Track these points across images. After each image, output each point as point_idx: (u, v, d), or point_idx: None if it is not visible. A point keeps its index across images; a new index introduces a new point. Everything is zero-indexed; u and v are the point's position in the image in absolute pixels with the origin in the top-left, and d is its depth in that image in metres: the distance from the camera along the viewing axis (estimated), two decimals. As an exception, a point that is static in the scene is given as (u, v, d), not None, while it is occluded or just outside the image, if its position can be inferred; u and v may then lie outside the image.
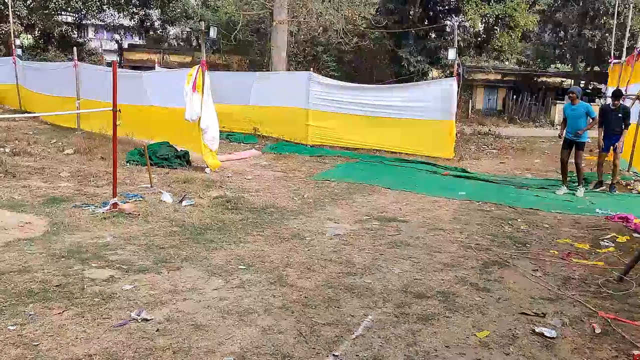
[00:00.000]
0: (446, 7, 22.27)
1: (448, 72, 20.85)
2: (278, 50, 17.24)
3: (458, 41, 15.31)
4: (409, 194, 8.27)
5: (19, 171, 7.96)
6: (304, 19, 19.62)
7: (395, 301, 4.10)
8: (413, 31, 21.02)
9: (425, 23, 22.08)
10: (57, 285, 3.97)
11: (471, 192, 8.59)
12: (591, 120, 8.66)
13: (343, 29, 18.66)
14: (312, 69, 14.12)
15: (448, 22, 22.70)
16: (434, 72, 23.58)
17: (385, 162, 11.18)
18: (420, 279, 4.62)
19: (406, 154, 12.02)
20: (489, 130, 18.67)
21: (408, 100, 12.22)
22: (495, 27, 21.33)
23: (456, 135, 12.44)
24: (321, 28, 20.69)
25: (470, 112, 24.79)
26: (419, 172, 10.41)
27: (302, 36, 21.73)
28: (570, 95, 8.84)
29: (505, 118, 24.53)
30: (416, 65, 20.63)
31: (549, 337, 3.58)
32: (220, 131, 12.56)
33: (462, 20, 21.42)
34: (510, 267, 5.05)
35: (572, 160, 8.81)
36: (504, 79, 28.41)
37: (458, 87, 12.10)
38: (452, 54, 12.19)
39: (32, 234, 5.26)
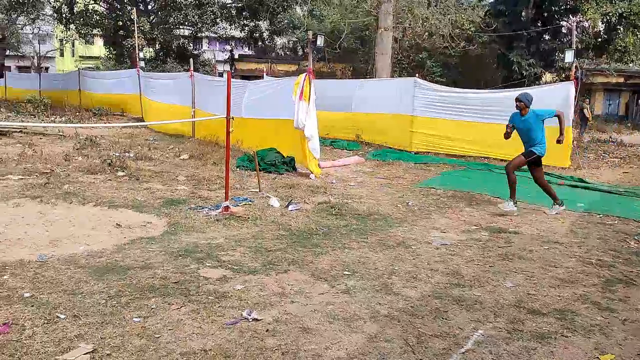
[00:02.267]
0: (562, 7, 21.00)
1: (564, 75, 19.64)
2: (382, 57, 17.24)
3: (576, 42, 14.36)
4: (520, 204, 7.86)
5: (141, 174, 8.59)
6: (409, 25, 19.45)
7: (508, 316, 3.89)
8: (525, 33, 20.04)
9: (539, 24, 20.97)
10: (175, 282, 4.22)
11: (590, 203, 8.00)
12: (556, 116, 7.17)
13: (450, 33, 18.23)
14: (417, 74, 13.92)
15: (564, 23, 21.39)
16: (547, 76, 22.32)
17: (495, 171, 10.73)
18: (534, 294, 4.35)
19: (517, 162, 11.44)
20: (610, 137, 17.31)
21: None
22: (619, 27, 19.78)
23: (572, 142, 11.65)
24: (426, 33, 20.41)
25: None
26: (531, 181, 9.83)
27: (407, 42, 21.56)
28: (517, 104, 7.36)
29: (629, 124, 22.62)
30: (528, 69, 19.68)
31: (687, 367, 3.22)
32: (324, 138, 12.84)
33: (580, 20, 20.09)
34: (637, 286, 4.62)
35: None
36: (627, 81, 26.24)
37: (575, 92, 11.34)
38: (569, 56, 11.50)
39: (153, 233, 5.64)
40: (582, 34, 19.58)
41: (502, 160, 11.73)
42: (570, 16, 21.03)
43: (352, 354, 3.25)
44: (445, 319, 3.83)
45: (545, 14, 21.04)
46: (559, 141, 7.47)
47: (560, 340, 3.55)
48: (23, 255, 4.73)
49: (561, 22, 21.26)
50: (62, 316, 3.53)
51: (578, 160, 12.02)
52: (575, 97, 11.36)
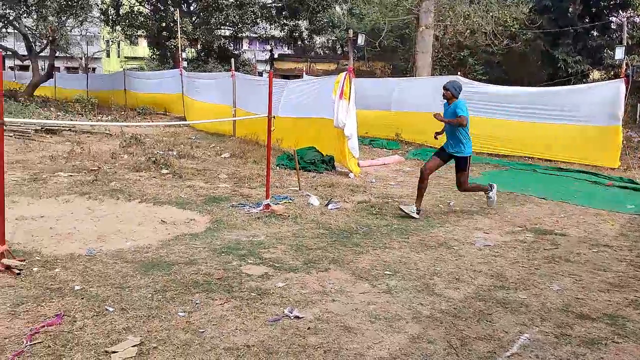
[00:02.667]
0: (612, 2, 20.29)
1: (612, 73, 18.98)
2: (423, 55, 17.06)
3: (626, 38, 13.85)
4: (566, 206, 7.65)
5: (184, 172, 8.76)
6: (450, 22, 19.16)
7: (555, 320, 3.78)
8: (572, 29, 19.47)
9: (586, 20, 20.33)
10: (218, 278, 4.28)
11: (641, 205, 7.70)
12: (458, 120, 6.36)
13: (493, 30, 17.87)
14: (459, 73, 13.71)
15: (613, 18, 20.67)
16: (595, 74, 21.61)
17: (539, 171, 10.47)
18: (582, 298, 4.22)
19: (562, 162, 11.15)
20: (662, 136, 16.60)
21: (565, 105, 11.35)
22: (672, 21, 19.00)
23: (622, 142, 11.25)
24: (468, 31, 20.05)
25: (639, 117, 22.29)
26: (577, 182, 9.58)
27: (448, 40, 21.24)
28: (444, 92, 6.59)
29: (682, 123, 21.68)
30: (574, 67, 19.11)
31: None
32: (363, 137, 12.80)
33: (631, 15, 19.36)
34: (693, 292, 4.42)
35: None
36: (681, 79, 25.14)
37: (626, 90, 10.94)
38: (619, 52, 11.09)
39: (196, 230, 5.75)
40: (632, 29, 18.85)
41: (547, 160, 11.45)
42: (620, 11, 20.31)
43: (394, 354, 3.22)
44: (490, 321, 3.76)
45: (594, 10, 20.38)
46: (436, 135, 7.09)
47: (611, 346, 3.43)
48: (73, 249, 4.90)
49: (610, 18, 20.55)
50: (111, 309, 3.63)
51: (628, 160, 11.59)
52: (626, 95, 10.96)
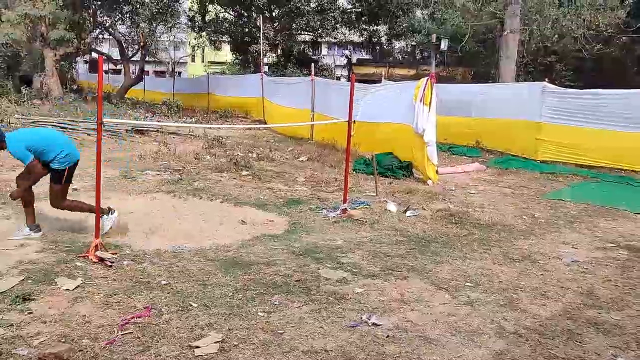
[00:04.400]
0: None
1: None
2: (507, 60, 16.47)
3: None
4: (666, 222, 7.10)
5: (263, 174, 8.94)
6: (537, 27, 18.40)
7: (654, 346, 3.51)
8: (672, 34, 18.14)
9: (689, 24, 18.84)
10: (297, 281, 4.32)
11: None
12: None
13: (584, 34, 16.95)
14: (546, 79, 13.11)
15: None
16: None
17: (634, 184, 9.78)
18: (685, 324, 3.89)
19: (661, 175, 10.36)
20: None
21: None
22: None
23: None
24: (556, 35, 19.17)
25: None
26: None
27: (534, 45, 20.40)
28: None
29: None
30: (674, 73, 17.73)
31: None
32: (442, 143, 12.50)
33: None
34: None
35: None
36: None
37: None
38: None
39: (275, 231, 5.84)
40: None
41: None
42: None
43: (476, 370, 3.11)
44: (580, 342, 3.54)
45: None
46: None
47: None
48: (159, 245, 5.12)
49: None
50: (195, 305, 3.76)
51: None
52: None
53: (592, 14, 17.17)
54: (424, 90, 9.14)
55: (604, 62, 20.67)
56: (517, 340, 3.52)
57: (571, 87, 15.80)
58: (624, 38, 18.95)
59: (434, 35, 10.13)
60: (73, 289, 3.88)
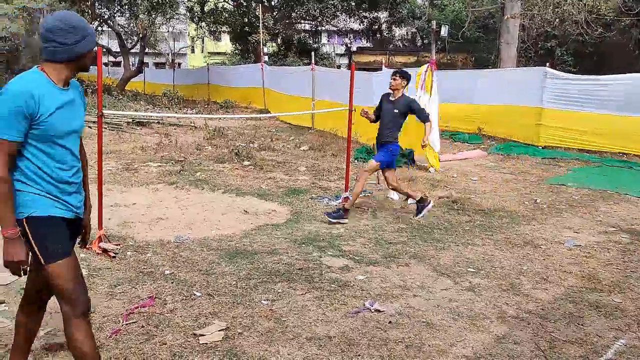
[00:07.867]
0: None
1: None
2: (508, 46, 16.38)
3: None
4: (667, 206, 7.10)
5: (265, 164, 8.95)
6: (538, 12, 18.24)
7: (655, 328, 3.53)
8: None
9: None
10: (299, 269, 4.35)
11: None
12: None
13: (585, 18, 16.82)
14: (547, 64, 13.04)
15: None
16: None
17: (636, 168, 9.77)
18: (687, 306, 3.91)
19: (663, 159, 10.35)
20: None
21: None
22: None
23: None
24: (557, 20, 19.01)
25: None
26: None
27: (535, 30, 20.25)
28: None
29: None
30: (676, 56, 17.61)
31: None
32: (443, 131, 12.48)
33: None
34: None
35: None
36: None
37: None
38: None
39: (277, 221, 5.86)
40: None
41: (644, 156, 10.68)
42: None
43: (478, 353, 3.14)
44: (581, 324, 3.57)
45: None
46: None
47: None
48: (162, 236, 5.15)
49: None
50: (198, 294, 3.79)
51: None
52: None
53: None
54: (424, 77, 9.11)
55: (605, 47, 20.54)
56: (519, 324, 3.55)
57: (572, 72, 15.73)
58: (626, 21, 18.81)
59: (434, 22, 10.05)
60: (78, 280, 3.91)
